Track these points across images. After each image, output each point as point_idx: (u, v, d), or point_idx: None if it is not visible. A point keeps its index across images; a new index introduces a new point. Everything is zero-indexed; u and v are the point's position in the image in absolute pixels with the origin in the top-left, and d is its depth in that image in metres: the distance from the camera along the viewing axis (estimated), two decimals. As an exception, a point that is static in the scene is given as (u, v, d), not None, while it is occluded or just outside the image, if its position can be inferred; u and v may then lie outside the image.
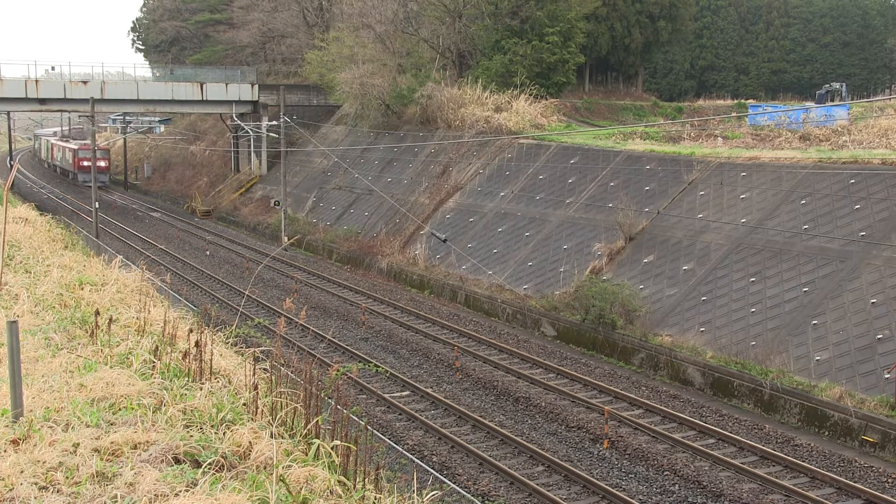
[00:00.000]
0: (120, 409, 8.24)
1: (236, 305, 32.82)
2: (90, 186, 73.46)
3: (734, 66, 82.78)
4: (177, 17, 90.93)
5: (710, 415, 22.18)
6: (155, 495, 6.31)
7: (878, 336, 21.83)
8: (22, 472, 6.58)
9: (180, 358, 10.01)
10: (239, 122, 60.55)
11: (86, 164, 77.75)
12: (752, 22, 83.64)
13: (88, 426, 7.61)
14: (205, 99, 59.54)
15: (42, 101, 55.42)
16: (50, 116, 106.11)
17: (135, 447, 7.23)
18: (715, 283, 27.28)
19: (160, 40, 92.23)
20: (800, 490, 17.33)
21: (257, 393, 8.73)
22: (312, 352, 25.26)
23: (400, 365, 26.65)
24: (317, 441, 7.74)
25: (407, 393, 23.92)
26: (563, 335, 29.64)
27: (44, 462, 6.76)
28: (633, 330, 27.29)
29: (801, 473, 18.39)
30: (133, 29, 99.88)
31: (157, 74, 74.71)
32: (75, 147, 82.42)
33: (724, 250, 28.26)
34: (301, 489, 6.77)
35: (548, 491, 17.40)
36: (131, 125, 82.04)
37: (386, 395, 23.23)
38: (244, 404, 8.76)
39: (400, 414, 22.14)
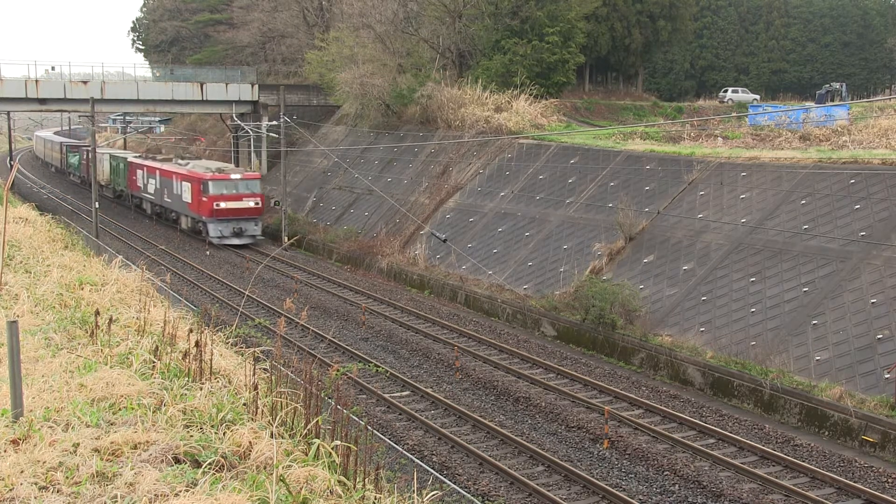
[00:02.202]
0: (120, 409, 8.25)
1: (236, 305, 32.81)
2: (235, 247, 46.98)
3: (734, 66, 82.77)
4: (177, 17, 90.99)
5: (710, 415, 22.17)
6: (155, 495, 6.31)
7: (878, 336, 21.83)
8: (22, 472, 6.58)
9: (180, 358, 10.01)
10: (239, 122, 60.56)
11: (224, 206, 47.06)
12: (752, 22, 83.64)
13: (88, 426, 7.61)
14: (205, 99, 59.55)
15: (42, 101, 55.40)
16: (50, 116, 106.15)
17: (135, 447, 7.23)
18: (715, 283, 27.28)
19: (160, 40, 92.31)
20: (800, 490, 17.33)
21: (257, 393, 8.73)
22: (312, 352, 25.25)
23: (400, 365, 26.64)
24: (317, 441, 7.74)
25: (407, 393, 23.91)
26: (563, 335, 29.63)
27: (44, 462, 6.76)
28: (633, 330, 27.29)
29: (801, 473, 18.39)
30: (133, 29, 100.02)
31: (157, 74, 74.56)
32: (204, 175, 47.65)
33: (724, 250, 28.26)
34: (301, 489, 6.77)
35: (548, 491, 17.40)
36: (131, 125, 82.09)
37: (386, 395, 23.23)
38: (244, 404, 8.76)
39: (400, 414, 22.13)
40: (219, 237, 47.11)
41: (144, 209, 58.94)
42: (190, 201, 49.17)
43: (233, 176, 48.08)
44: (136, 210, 60.39)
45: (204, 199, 47.10)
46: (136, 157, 62.36)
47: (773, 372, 22.72)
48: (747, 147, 36.84)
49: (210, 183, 46.96)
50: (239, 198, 47.41)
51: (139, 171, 58.37)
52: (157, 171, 54.66)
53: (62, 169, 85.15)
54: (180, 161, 54.89)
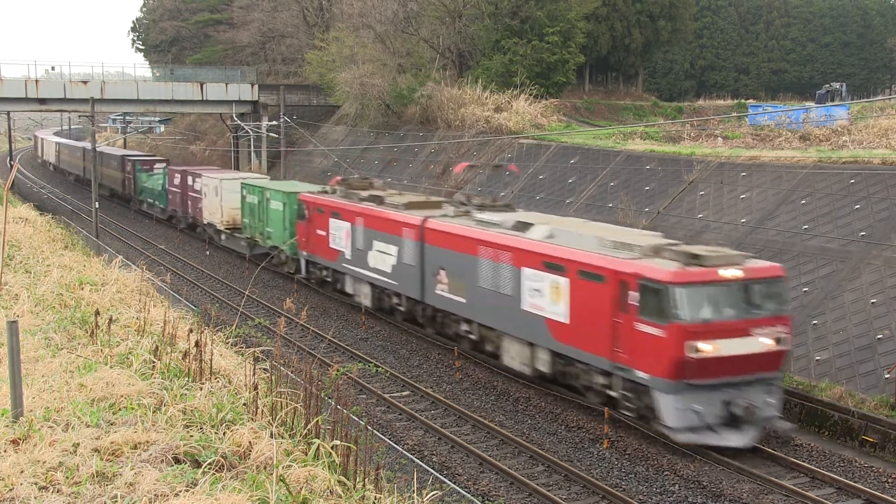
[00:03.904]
0: (120, 409, 8.25)
1: (236, 305, 32.78)
2: (712, 450, 18.22)
3: (734, 66, 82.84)
4: (177, 17, 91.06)
5: (710, 415, 22.13)
6: (155, 495, 6.32)
7: (878, 336, 21.83)
8: (22, 472, 6.59)
9: (180, 358, 10.02)
10: (239, 121, 60.58)
11: (712, 351, 17.60)
12: (752, 22, 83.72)
13: (88, 426, 7.62)
14: (205, 99, 59.57)
15: (42, 101, 55.44)
16: (50, 116, 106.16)
17: (135, 447, 7.24)
18: (715, 283, 27.24)
19: (160, 40, 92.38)
20: (800, 490, 17.32)
21: (257, 393, 8.74)
22: (312, 352, 25.24)
23: (400, 365, 26.63)
24: (317, 441, 7.75)
25: (407, 393, 23.91)
26: (563, 335, 29.56)
27: (44, 462, 6.77)
28: (633, 330, 27.24)
29: (800, 473, 18.38)
30: (133, 29, 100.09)
31: (157, 74, 74.60)
32: (656, 270, 17.85)
33: (724, 250, 28.23)
34: (301, 489, 6.78)
35: (548, 491, 17.39)
36: (131, 125, 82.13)
37: (386, 395, 23.22)
38: (244, 404, 8.77)
39: (400, 414, 22.13)
40: (691, 427, 18.52)
41: (347, 293, 32.08)
42: (566, 321, 20.76)
43: (728, 273, 18.50)
44: (325, 288, 34.16)
45: (650, 328, 18.25)
46: (318, 193, 33.63)
47: (773, 372, 22.69)
48: (747, 147, 36.85)
49: (678, 292, 17.79)
50: (743, 329, 18.46)
51: (336, 222, 31.19)
52: (418, 232, 26.39)
53: (125, 194, 61.13)
54: (485, 216, 24.65)
